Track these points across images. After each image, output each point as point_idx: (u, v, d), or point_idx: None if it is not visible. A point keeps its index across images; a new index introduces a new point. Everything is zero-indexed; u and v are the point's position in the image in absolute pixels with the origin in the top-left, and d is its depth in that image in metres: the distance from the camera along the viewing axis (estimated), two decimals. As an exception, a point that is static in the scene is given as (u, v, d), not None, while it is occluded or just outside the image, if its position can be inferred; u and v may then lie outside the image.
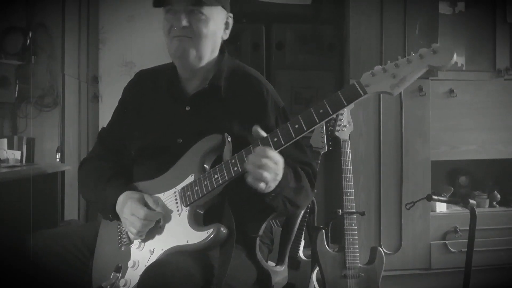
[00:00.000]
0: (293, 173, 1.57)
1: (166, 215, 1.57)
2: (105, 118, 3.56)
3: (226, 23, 1.71)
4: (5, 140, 2.78)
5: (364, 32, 3.29)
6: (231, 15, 1.73)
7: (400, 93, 3.28)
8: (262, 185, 1.43)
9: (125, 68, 3.73)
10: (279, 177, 1.47)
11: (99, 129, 1.89)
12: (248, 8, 3.41)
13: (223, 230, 1.48)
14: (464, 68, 3.58)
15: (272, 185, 1.46)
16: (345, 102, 1.40)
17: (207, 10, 1.61)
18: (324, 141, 2.54)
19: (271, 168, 1.42)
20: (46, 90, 3.04)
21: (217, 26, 1.66)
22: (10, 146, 2.79)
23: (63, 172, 2.97)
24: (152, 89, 1.78)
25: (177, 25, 1.60)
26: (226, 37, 1.73)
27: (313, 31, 3.49)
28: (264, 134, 1.46)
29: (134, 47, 3.74)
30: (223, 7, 1.67)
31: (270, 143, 1.44)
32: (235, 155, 1.48)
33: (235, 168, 1.47)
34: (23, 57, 2.97)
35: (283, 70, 3.44)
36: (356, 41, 3.28)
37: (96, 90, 3.74)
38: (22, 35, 2.97)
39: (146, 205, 1.56)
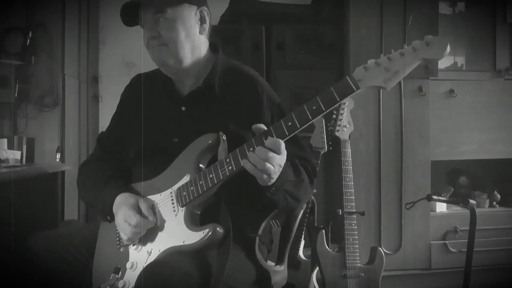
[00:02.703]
0: (291, 166, 1.57)
1: (161, 219, 1.56)
2: (105, 118, 3.56)
3: (201, 18, 1.68)
4: (5, 140, 2.78)
5: (364, 32, 3.29)
6: (205, 8, 1.69)
7: (400, 93, 3.28)
8: (265, 176, 1.42)
9: (125, 68, 3.73)
10: (279, 172, 1.45)
11: (99, 130, 1.91)
12: (248, 8, 3.41)
13: (219, 230, 1.47)
14: (464, 68, 3.58)
15: (274, 177, 1.45)
16: (338, 98, 1.37)
17: (170, 14, 1.61)
18: (324, 141, 2.54)
19: (276, 160, 1.41)
20: (46, 90, 3.04)
21: (187, 24, 1.64)
22: (10, 146, 2.80)
23: (63, 172, 2.97)
24: (149, 91, 1.79)
25: (149, 37, 1.63)
26: (204, 32, 1.70)
27: (313, 31, 3.48)
28: (264, 127, 1.44)
29: (134, 48, 3.72)
30: (190, 3, 1.65)
31: (264, 141, 1.42)
32: (230, 154, 1.47)
33: (230, 167, 1.46)
34: (23, 57, 2.98)
35: (283, 70, 3.43)
36: (356, 41, 3.28)
37: (96, 90, 3.73)
38: (22, 35, 2.98)
39: (140, 212, 1.56)
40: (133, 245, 1.59)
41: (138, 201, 1.58)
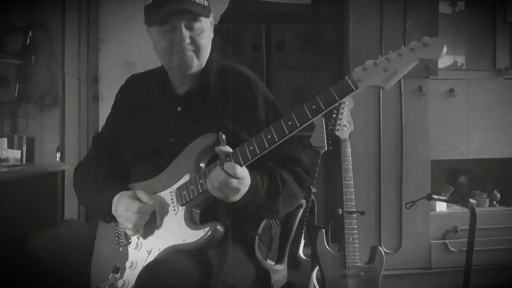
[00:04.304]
0: (268, 180, 1.57)
1: (161, 218, 1.57)
2: (105, 117, 3.54)
3: (211, 23, 1.73)
4: (5, 139, 2.78)
5: (364, 32, 3.29)
6: (213, 13, 1.74)
7: (400, 93, 3.28)
8: (221, 195, 1.46)
9: (125, 68, 3.73)
10: (242, 192, 1.48)
11: (99, 129, 1.91)
12: (248, 8, 3.41)
13: (220, 228, 1.48)
14: (464, 68, 3.58)
15: (234, 198, 1.47)
16: (337, 97, 1.40)
17: (204, 23, 1.65)
18: (324, 141, 2.54)
19: (232, 184, 1.43)
20: (46, 90, 3.04)
21: (209, 33, 1.71)
22: (10, 146, 2.80)
23: (63, 172, 2.97)
24: (144, 92, 1.80)
25: (179, 42, 1.63)
26: (212, 35, 1.75)
27: (313, 31, 3.48)
28: (228, 150, 1.48)
29: (134, 47, 3.73)
30: (211, 13, 1.70)
31: (264, 140, 1.44)
32: (230, 153, 1.48)
33: None
34: (23, 57, 2.98)
35: (283, 70, 3.43)
36: (356, 41, 3.28)
37: (96, 90, 3.74)
38: (22, 35, 2.98)
39: (139, 199, 1.57)
40: (137, 234, 1.59)
41: (136, 191, 1.59)
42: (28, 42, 2.97)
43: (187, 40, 1.63)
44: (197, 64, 1.68)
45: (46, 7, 3.07)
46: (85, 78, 3.51)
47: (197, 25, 1.64)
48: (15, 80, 2.94)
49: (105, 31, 3.80)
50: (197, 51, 1.66)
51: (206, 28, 1.67)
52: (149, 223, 1.57)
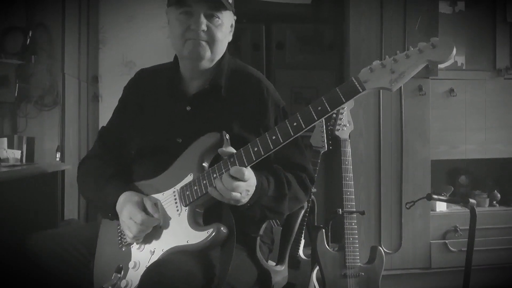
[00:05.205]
0: (274, 181, 1.57)
1: (164, 219, 1.56)
2: (105, 118, 3.57)
3: (231, 25, 1.72)
4: (5, 139, 2.78)
5: (364, 32, 3.29)
6: (235, 17, 1.74)
7: (400, 93, 3.28)
8: (232, 202, 1.45)
9: (125, 68, 3.73)
10: (250, 193, 1.48)
11: (99, 129, 1.89)
12: (248, 8, 3.41)
13: (223, 229, 1.47)
14: (464, 68, 3.58)
15: (244, 200, 1.47)
16: (343, 99, 1.37)
17: (224, 15, 1.64)
18: (324, 141, 2.54)
19: (242, 188, 1.43)
20: (46, 90, 3.04)
21: (227, 29, 1.68)
22: (10, 146, 2.79)
23: (63, 172, 2.97)
24: (153, 88, 1.77)
25: (195, 28, 1.60)
26: (230, 38, 1.74)
27: (313, 31, 3.49)
28: (232, 150, 1.47)
29: (134, 47, 3.74)
30: (232, 11, 1.69)
31: (269, 140, 1.43)
32: (234, 153, 1.47)
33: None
34: (23, 57, 2.97)
35: (283, 70, 3.44)
36: (356, 41, 3.28)
37: (96, 90, 3.74)
38: (22, 35, 2.97)
39: (145, 209, 1.55)
40: (136, 243, 1.59)
41: (143, 199, 1.57)
42: (28, 42, 2.97)
43: (203, 27, 1.60)
44: (209, 57, 1.64)
45: (46, 7, 3.06)
46: (85, 78, 3.51)
47: (217, 15, 1.61)
48: (15, 80, 2.93)
49: (105, 31, 3.80)
50: (211, 42, 1.63)
51: (225, 23, 1.65)
52: (153, 229, 1.56)
